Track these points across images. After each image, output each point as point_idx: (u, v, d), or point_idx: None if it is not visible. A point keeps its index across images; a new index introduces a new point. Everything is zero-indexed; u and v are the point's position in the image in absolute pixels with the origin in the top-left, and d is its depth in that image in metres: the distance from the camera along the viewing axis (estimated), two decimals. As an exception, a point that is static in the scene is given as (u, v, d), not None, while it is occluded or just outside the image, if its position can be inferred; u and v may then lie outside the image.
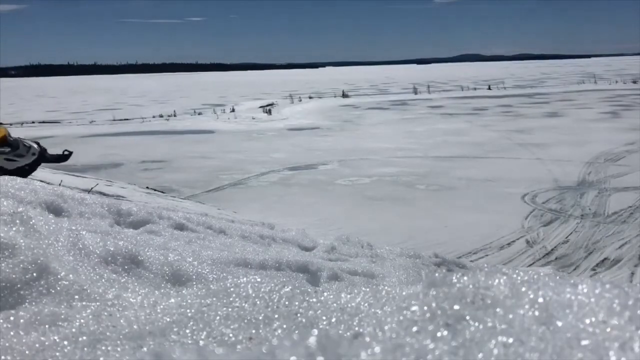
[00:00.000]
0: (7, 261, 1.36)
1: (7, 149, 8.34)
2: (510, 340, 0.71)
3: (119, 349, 1.06)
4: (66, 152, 9.45)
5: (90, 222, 2.34)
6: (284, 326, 1.10)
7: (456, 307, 0.80)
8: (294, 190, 22.72)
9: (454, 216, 17.69)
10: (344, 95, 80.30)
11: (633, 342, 0.68)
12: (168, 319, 1.17)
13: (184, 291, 1.51)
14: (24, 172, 8.33)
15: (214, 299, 1.25)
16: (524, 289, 0.83)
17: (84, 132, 45.31)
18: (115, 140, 40.03)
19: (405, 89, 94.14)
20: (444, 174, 24.60)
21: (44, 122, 55.89)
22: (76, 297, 1.34)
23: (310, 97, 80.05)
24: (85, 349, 1.05)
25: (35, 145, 8.70)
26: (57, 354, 1.04)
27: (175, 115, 58.56)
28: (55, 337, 1.09)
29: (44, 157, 8.79)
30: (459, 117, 49.09)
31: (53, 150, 9.40)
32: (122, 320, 1.17)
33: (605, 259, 13.98)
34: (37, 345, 1.06)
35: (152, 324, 1.15)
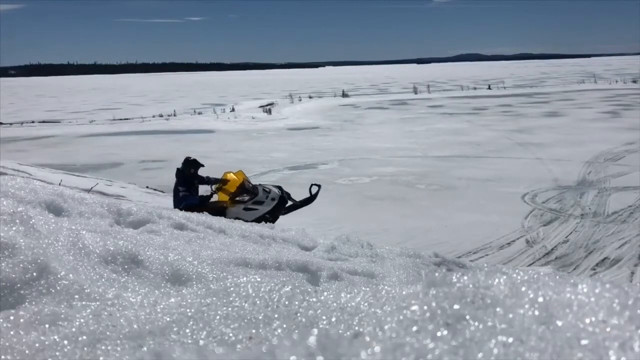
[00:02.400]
0: (7, 261, 1.35)
1: (246, 197, 7.41)
2: (510, 339, 0.71)
3: (119, 348, 1.06)
4: (315, 187, 8.04)
5: (90, 222, 2.34)
6: (284, 326, 1.10)
7: (456, 306, 0.80)
8: (293, 189, 22.70)
9: (453, 216, 17.68)
10: (344, 95, 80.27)
11: (633, 341, 0.68)
12: (168, 319, 1.17)
13: (183, 291, 1.51)
14: (264, 220, 6.82)
15: (214, 298, 1.25)
16: (523, 288, 0.83)
17: (83, 132, 45.27)
18: (115, 139, 40.00)
19: (405, 89, 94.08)
20: (444, 174, 24.59)
21: (44, 121, 55.86)
22: (76, 296, 1.34)
23: (310, 97, 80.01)
24: (85, 348, 1.05)
25: (276, 190, 7.65)
26: (57, 353, 1.04)
27: (175, 115, 58.53)
28: (55, 337, 1.09)
29: (285, 201, 7.67)
30: (459, 116, 49.09)
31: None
32: (122, 320, 1.17)
33: (605, 258, 13.98)
34: (37, 344, 1.06)
35: (152, 323, 1.15)
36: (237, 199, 7.39)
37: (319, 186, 8.01)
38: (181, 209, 7.15)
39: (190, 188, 7.51)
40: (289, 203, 7.86)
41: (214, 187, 7.60)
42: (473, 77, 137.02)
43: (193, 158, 7.73)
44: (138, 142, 38.36)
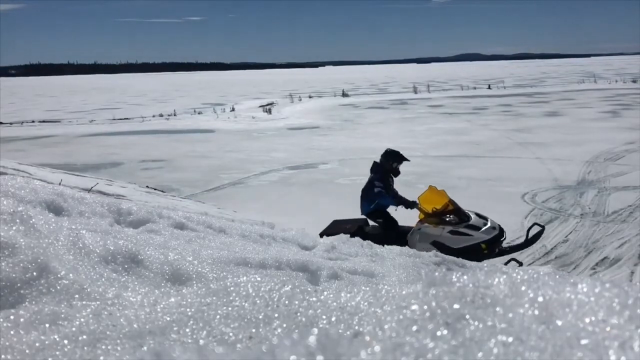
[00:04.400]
0: (7, 260, 1.35)
1: (453, 218, 6.25)
2: (510, 339, 0.71)
3: (119, 348, 1.06)
4: (536, 227, 6.51)
5: (90, 221, 2.34)
6: (284, 325, 1.10)
7: (456, 306, 0.80)
8: (294, 189, 22.70)
9: (453, 215, 17.69)
10: (344, 95, 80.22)
11: (633, 341, 0.68)
12: (168, 318, 1.17)
13: (184, 290, 1.51)
14: (477, 252, 5.65)
15: (214, 298, 1.25)
16: (523, 288, 0.83)
17: (83, 132, 45.21)
18: (115, 139, 39.95)
19: (405, 88, 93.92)
20: (444, 173, 24.57)
21: (44, 121, 55.83)
22: (76, 296, 1.34)
23: (310, 97, 79.89)
24: (86, 348, 1.05)
25: (494, 221, 6.34)
26: (57, 353, 1.04)
27: (175, 115, 58.50)
28: (56, 336, 1.09)
29: (503, 235, 6.31)
30: (459, 116, 49.05)
31: None
32: (122, 319, 1.17)
33: (604, 258, 13.96)
34: (37, 344, 1.06)
35: (152, 323, 1.15)
36: (444, 217, 6.27)
37: (543, 227, 6.54)
38: (371, 208, 6.03)
39: (385, 185, 6.47)
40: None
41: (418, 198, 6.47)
42: (473, 76, 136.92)
43: (394, 150, 6.54)
44: (138, 141, 38.33)
